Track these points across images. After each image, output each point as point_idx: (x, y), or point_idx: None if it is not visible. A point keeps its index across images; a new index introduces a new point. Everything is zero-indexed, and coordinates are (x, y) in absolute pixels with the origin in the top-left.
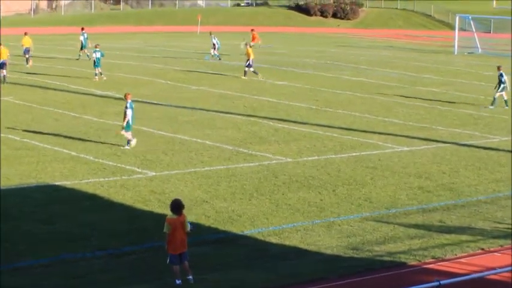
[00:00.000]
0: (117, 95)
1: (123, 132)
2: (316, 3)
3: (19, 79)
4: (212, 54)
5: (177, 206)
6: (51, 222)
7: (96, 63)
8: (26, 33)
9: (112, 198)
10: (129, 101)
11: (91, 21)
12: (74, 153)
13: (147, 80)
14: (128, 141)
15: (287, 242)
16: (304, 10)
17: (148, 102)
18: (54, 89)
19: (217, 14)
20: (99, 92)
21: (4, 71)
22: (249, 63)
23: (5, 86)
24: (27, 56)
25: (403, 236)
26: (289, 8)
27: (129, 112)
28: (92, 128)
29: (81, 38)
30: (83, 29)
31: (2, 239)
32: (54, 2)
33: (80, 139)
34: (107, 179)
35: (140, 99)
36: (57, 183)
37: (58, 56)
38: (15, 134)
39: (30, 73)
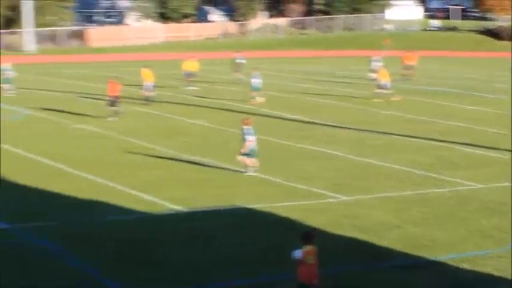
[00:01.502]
0: (306, 119)
1: (243, 158)
2: (506, 27)
3: (210, 103)
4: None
5: (312, 236)
6: (246, 244)
7: (257, 87)
8: (192, 57)
9: (305, 221)
10: (249, 127)
11: (277, 45)
12: (263, 176)
13: (334, 103)
14: (247, 168)
15: (480, 269)
16: (495, 34)
17: (336, 126)
18: (243, 112)
19: (406, 38)
20: (287, 116)
21: (151, 93)
22: (383, 85)
23: (196, 110)
24: (190, 79)
25: None
26: (480, 32)
27: (252, 138)
28: (276, 150)
29: (242, 61)
30: (239, 51)
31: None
32: (244, 26)
33: (267, 161)
34: (298, 202)
35: (328, 123)
36: (250, 206)
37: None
38: (205, 157)
39: (218, 98)
